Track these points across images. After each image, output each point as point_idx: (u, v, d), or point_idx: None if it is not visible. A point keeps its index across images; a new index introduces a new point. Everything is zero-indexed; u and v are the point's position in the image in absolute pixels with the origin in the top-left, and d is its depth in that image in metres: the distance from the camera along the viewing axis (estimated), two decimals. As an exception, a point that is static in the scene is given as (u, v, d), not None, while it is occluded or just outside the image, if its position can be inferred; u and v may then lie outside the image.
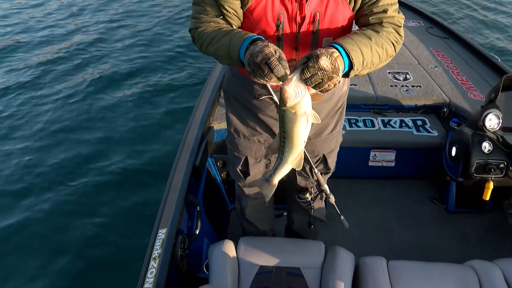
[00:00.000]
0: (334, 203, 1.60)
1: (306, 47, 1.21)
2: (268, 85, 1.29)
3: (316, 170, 1.51)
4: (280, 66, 0.93)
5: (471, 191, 2.21)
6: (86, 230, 2.73)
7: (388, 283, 1.45)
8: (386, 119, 2.52)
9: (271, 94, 1.31)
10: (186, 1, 6.65)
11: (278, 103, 1.06)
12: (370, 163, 2.49)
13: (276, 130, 1.43)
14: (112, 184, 3.10)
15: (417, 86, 2.66)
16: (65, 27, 6.13)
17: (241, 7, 1.18)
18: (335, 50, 1.01)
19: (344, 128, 2.35)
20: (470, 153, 2.00)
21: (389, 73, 2.81)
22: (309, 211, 1.68)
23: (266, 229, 1.93)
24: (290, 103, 0.95)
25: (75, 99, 4.25)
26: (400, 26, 1.19)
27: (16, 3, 7.06)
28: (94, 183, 3.11)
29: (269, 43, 0.98)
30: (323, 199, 1.76)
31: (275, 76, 0.94)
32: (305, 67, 0.93)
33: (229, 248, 1.55)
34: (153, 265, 1.40)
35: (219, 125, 2.23)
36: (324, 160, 1.56)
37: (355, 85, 2.63)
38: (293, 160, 1.09)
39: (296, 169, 1.13)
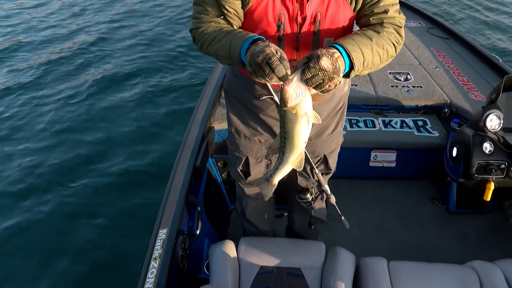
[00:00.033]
0: (335, 204, 1.60)
1: (307, 47, 1.21)
2: (269, 85, 1.29)
3: (317, 171, 1.51)
4: (281, 66, 0.93)
5: (472, 192, 2.21)
6: (87, 231, 2.73)
7: (388, 283, 1.45)
8: (387, 119, 2.51)
9: (272, 94, 1.31)
10: (188, 2, 6.66)
11: (279, 103, 1.06)
12: (371, 164, 2.49)
13: (277, 130, 1.42)
14: (113, 185, 3.09)
15: (418, 87, 2.66)
16: (66, 27, 6.14)
17: (242, 7, 1.18)
18: (336, 50, 1.01)
19: (345, 128, 2.34)
20: (471, 154, 2.00)
21: (390, 73, 2.81)
22: (310, 211, 1.68)
23: (266, 230, 1.93)
24: (290, 103, 0.95)
25: (76, 99, 4.25)
26: (401, 27, 1.19)
27: (19, 3, 7.07)
28: (95, 184, 3.11)
29: (270, 43, 0.98)
30: (324, 199, 1.76)
31: (276, 76, 0.94)
32: (306, 67, 0.93)
33: (230, 248, 1.55)
34: (154, 265, 1.40)
35: (219, 125, 2.23)
36: (325, 160, 1.56)
37: (356, 85, 2.63)
38: (294, 161, 1.09)
39: (296, 169, 1.13)
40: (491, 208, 2.36)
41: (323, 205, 1.79)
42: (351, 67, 1.05)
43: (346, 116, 1.55)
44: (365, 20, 1.19)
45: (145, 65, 4.95)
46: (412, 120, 2.51)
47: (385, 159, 2.47)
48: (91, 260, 2.52)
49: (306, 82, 0.94)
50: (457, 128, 2.35)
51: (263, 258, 1.55)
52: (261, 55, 0.94)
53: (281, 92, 0.95)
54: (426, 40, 3.33)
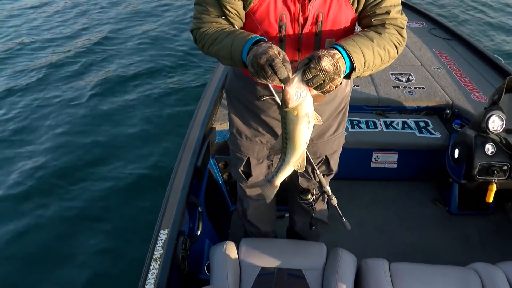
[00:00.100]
0: (336, 205, 1.59)
1: (309, 48, 1.21)
2: (270, 86, 1.29)
3: (318, 172, 1.50)
4: (284, 68, 0.94)
5: (474, 193, 2.20)
6: (88, 234, 2.70)
7: (390, 285, 1.44)
8: (388, 120, 2.51)
9: (273, 95, 1.31)
10: (191, 2, 6.61)
11: (280, 104, 1.06)
12: (372, 165, 2.48)
13: (279, 131, 1.42)
14: (116, 188, 3.07)
15: (419, 88, 2.65)
16: (70, 28, 6.14)
17: (244, 8, 1.18)
18: (336, 51, 1.01)
19: (346, 129, 2.33)
20: (473, 155, 1.99)
21: (391, 74, 2.80)
22: (311, 212, 1.67)
23: (267, 231, 1.92)
24: (292, 104, 0.95)
25: (78, 101, 4.24)
26: (403, 28, 1.18)
27: (22, 4, 7.08)
28: (96, 187, 3.08)
29: (273, 45, 0.98)
30: (325, 200, 1.75)
31: (278, 78, 0.95)
32: (306, 68, 0.93)
33: (231, 249, 1.55)
34: (154, 266, 1.40)
35: (221, 126, 2.23)
36: (326, 161, 1.56)
37: (357, 86, 2.63)
38: (295, 162, 1.09)
39: (298, 170, 1.13)
40: (493, 209, 2.35)
41: (324, 206, 1.79)
42: (352, 68, 1.05)
43: (348, 117, 1.54)
44: (367, 21, 1.19)
45: (148, 66, 4.93)
46: (414, 121, 2.50)
47: (386, 160, 2.47)
48: (92, 263, 2.50)
49: (307, 83, 0.94)
50: (459, 130, 2.34)
51: (264, 259, 1.55)
52: (264, 56, 0.94)
53: (282, 93, 0.95)
54: (428, 41, 3.32)
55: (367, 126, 2.46)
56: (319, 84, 0.94)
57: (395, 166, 2.48)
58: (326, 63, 0.92)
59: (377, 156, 2.45)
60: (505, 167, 1.98)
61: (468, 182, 2.07)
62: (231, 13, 1.17)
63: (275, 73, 0.94)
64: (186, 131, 2.07)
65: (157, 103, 4.22)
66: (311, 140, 1.08)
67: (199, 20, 1.21)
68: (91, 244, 2.64)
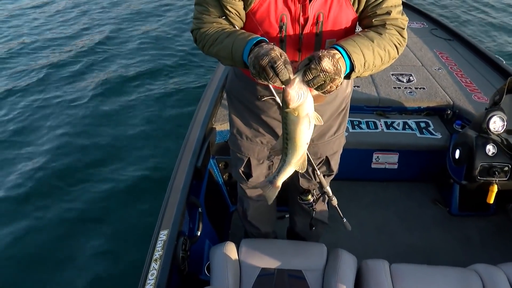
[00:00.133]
0: (336, 205, 1.59)
1: (309, 48, 1.20)
2: (271, 86, 1.29)
3: (318, 172, 1.50)
4: (285, 70, 0.94)
5: (475, 194, 2.20)
6: (89, 236, 2.69)
7: (390, 286, 1.44)
8: (389, 121, 2.50)
9: (273, 95, 1.31)
10: (192, 2, 6.60)
11: (281, 105, 1.05)
12: (373, 165, 2.48)
13: (279, 131, 1.42)
14: (117, 190, 3.05)
15: (420, 88, 2.65)
16: (70, 28, 6.14)
17: (244, 8, 1.17)
18: (336, 51, 1.01)
19: (346, 130, 2.32)
20: (474, 156, 1.98)
21: (392, 74, 2.80)
22: (311, 213, 1.67)
23: (268, 231, 1.92)
24: (292, 105, 0.95)
25: (79, 102, 4.23)
26: (404, 28, 1.18)
27: (23, 4, 7.08)
28: (97, 189, 3.06)
29: (275, 46, 0.98)
30: (326, 201, 1.75)
31: (280, 79, 0.95)
32: (307, 69, 0.93)
33: (231, 250, 1.54)
34: (154, 267, 1.39)
35: (221, 126, 2.22)
36: (327, 162, 1.55)
37: (358, 86, 2.62)
38: (296, 162, 1.09)
39: (299, 171, 1.12)
40: (494, 210, 2.34)
41: (325, 206, 1.79)
42: (352, 68, 1.05)
43: (348, 117, 1.54)
44: (368, 21, 1.18)
45: (149, 67, 4.92)
46: (415, 121, 2.50)
47: (387, 160, 2.46)
48: (92, 264, 2.49)
49: (308, 83, 0.94)
50: (460, 130, 2.34)
51: (264, 260, 1.55)
52: (266, 58, 0.94)
53: (283, 93, 0.95)
54: (429, 41, 3.32)
55: (368, 127, 2.45)
56: (319, 85, 0.94)
57: (395, 166, 2.48)
58: (326, 64, 0.92)
59: (378, 157, 2.45)
60: (506, 168, 1.97)
61: (469, 183, 2.07)
62: (232, 13, 1.17)
63: (277, 74, 0.94)
64: (187, 131, 2.07)
65: (158, 103, 4.20)
66: (312, 140, 1.08)
67: (199, 20, 1.21)
68: (91, 246, 2.63)
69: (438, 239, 2.21)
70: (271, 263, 1.54)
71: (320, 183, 1.54)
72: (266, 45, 1.00)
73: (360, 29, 1.22)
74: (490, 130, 2.01)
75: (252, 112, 1.43)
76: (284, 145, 1.06)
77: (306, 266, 1.54)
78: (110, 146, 3.56)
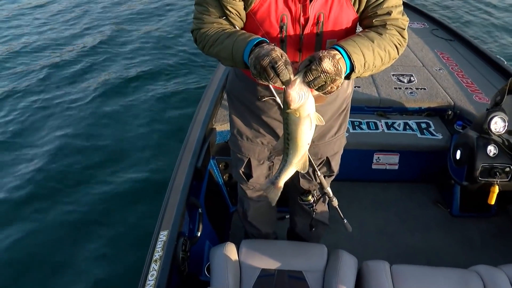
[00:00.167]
0: (337, 206, 1.58)
1: (310, 49, 1.20)
2: (271, 87, 1.28)
3: (319, 173, 1.50)
4: (286, 70, 0.94)
5: (476, 195, 2.19)
6: (88, 237, 2.68)
7: (391, 287, 1.44)
8: (390, 121, 2.50)
9: (274, 96, 1.31)
10: (193, 3, 6.57)
11: (282, 106, 1.05)
12: (374, 166, 2.47)
13: (279, 132, 1.42)
14: (115, 191, 3.04)
15: (421, 89, 2.64)
16: (70, 29, 6.14)
17: (244, 8, 1.17)
18: (337, 52, 1.01)
19: (347, 130, 2.33)
20: (475, 157, 1.98)
21: (393, 75, 2.79)
22: (311, 213, 1.66)
23: (268, 232, 1.91)
24: (293, 105, 0.95)
25: (79, 102, 4.22)
26: (404, 29, 1.18)
27: (22, 5, 7.08)
28: (96, 192, 3.04)
29: (275, 47, 0.98)
30: (326, 202, 1.75)
31: (280, 80, 0.95)
32: (307, 69, 0.93)
33: (231, 250, 1.54)
34: (154, 268, 1.39)
35: (221, 126, 2.22)
36: (327, 162, 1.55)
37: (358, 87, 2.62)
38: (298, 162, 1.09)
39: (301, 171, 1.12)
40: (495, 211, 2.33)
41: (325, 207, 1.78)
42: (352, 68, 1.05)
43: (349, 118, 1.54)
44: (368, 21, 1.18)
45: (150, 67, 4.91)
46: (415, 122, 2.49)
47: (388, 161, 2.46)
48: (92, 266, 2.48)
49: (309, 84, 0.94)
50: (461, 131, 2.33)
51: (264, 260, 1.54)
52: (267, 58, 0.94)
53: (284, 94, 0.95)
54: (430, 41, 3.32)
55: (368, 127, 2.45)
56: (320, 85, 0.94)
57: (396, 167, 2.47)
58: (327, 64, 0.92)
59: (378, 158, 2.44)
60: (507, 169, 1.97)
61: (470, 183, 2.06)
62: (232, 13, 1.17)
63: (278, 75, 0.94)
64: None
65: (158, 104, 4.19)
66: (312, 141, 1.08)
67: (199, 20, 1.21)
68: (91, 247, 2.62)
69: (439, 240, 2.20)
70: (271, 264, 1.53)
71: (320, 184, 1.54)
72: (267, 45, 0.99)
73: (360, 29, 1.22)
74: (491, 131, 2.00)
75: (252, 112, 1.43)
76: (285, 146, 1.06)
77: (306, 267, 1.53)
78: (110, 147, 3.55)
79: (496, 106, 2.03)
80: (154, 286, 1.33)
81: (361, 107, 2.55)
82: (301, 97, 0.94)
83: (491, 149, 1.97)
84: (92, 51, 5.37)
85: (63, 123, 3.90)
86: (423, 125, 2.47)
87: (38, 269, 2.48)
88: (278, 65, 0.93)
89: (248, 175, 1.57)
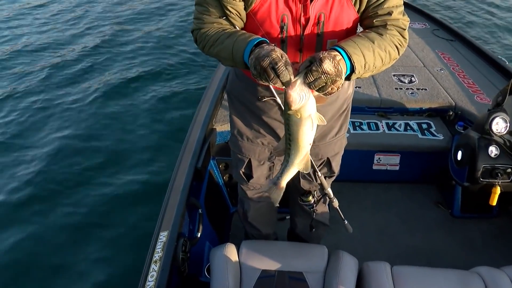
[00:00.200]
0: (337, 207, 1.58)
1: (311, 49, 1.20)
2: (271, 87, 1.28)
3: (319, 174, 1.49)
4: (286, 71, 0.93)
5: (477, 196, 2.18)
6: (88, 239, 2.68)
7: None
8: (390, 122, 2.49)
9: (274, 96, 1.30)
10: (194, 3, 6.57)
11: (283, 107, 1.05)
12: (374, 167, 2.46)
13: (280, 132, 1.41)
14: (116, 193, 3.02)
15: (422, 89, 2.64)
16: (70, 29, 6.13)
17: (245, 8, 1.17)
18: (337, 53, 1.00)
19: (348, 131, 2.32)
20: (476, 158, 1.97)
21: (394, 75, 2.79)
22: (312, 214, 1.66)
23: (268, 233, 1.91)
24: (294, 106, 0.95)
25: (80, 103, 4.21)
26: (405, 29, 1.17)
27: (21, 5, 7.08)
28: (97, 194, 3.03)
29: (276, 47, 0.98)
30: (327, 202, 1.74)
31: (281, 81, 0.94)
32: (308, 70, 0.93)
33: (231, 251, 1.53)
34: (154, 268, 1.39)
35: (221, 127, 2.22)
36: (328, 163, 1.54)
37: (359, 87, 2.61)
38: (299, 163, 1.09)
39: (303, 171, 1.12)
40: (496, 212, 2.33)
41: (326, 208, 1.78)
42: (352, 69, 1.04)
43: (350, 118, 1.53)
44: (369, 21, 1.18)
45: (150, 68, 4.89)
46: (416, 123, 2.49)
47: (388, 162, 2.45)
48: (92, 268, 2.47)
49: (309, 85, 0.94)
50: (462, 131, 2.32)
51: (264, 261, 1.54)
52: (267, 59, 0.94)
53: (285, 95, 0.95)
54: (431, 42, 3.31)
55: (369, 128, 2.44)
56: (321, 86, 0.94)
57: (397, 168, 2.47)
58: (327, 65, 0.92)
59: (379, 158, 2.44)
60: (509, 170, 1.96)
61: (471, 184, 2.06)
62: (232, 13, 1.16)
63: (278, 76, 0.94)
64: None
65: (159, 104, 4.18)
66: (313, 141, 1.08)
67: (199, 20, 1.20)
68: (91, 249, 2.61)
69: (440, 241, 2.19)
70: (272, 265, 1.53)
71: (321, 184, 1.54)
72: (267, 46, 0.99)
73: (361, 29, 1.21)
74: (492, 132, 2.00)
75: (253, 113, 1.43)
76: (287, 146, 1.06)
77: (307, 268, 1.53)
78: (110, 147, 3.54)
79: (497, 107, 2.02)
80: (154, 287, 1.33)
81: (362, 108, 2.55)
82: (302, 98, 0.94)
83: (493, 150, 1.97)
84: (93, 51, 5.36)
85: (63, 123, 3.89)
86: (424, 126, 2.47)
87: (39, 270, 2.47)
88: (279, 66, 0.93)
89: (249, 175, 1.57)
